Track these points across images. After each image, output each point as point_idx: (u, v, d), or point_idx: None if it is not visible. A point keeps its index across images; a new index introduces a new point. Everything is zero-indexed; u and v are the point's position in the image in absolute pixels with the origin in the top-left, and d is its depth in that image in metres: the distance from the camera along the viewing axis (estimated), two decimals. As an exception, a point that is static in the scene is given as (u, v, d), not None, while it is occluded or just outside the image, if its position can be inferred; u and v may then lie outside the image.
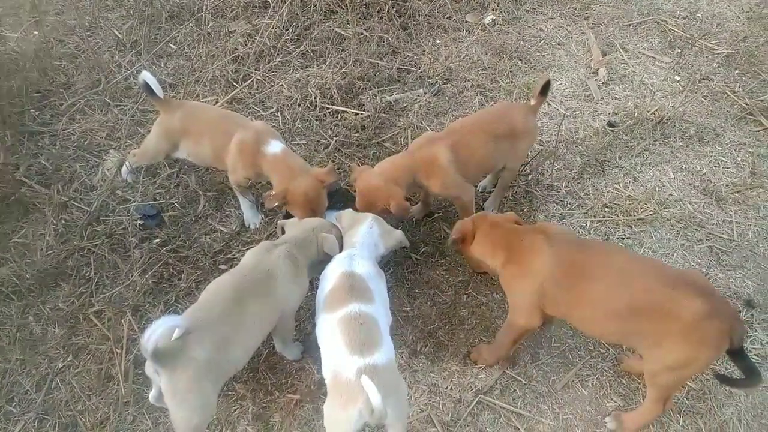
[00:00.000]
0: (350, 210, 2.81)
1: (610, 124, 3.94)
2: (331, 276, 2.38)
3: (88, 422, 2.55)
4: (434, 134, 3.04)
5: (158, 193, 3.35)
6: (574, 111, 4.06)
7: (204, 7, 4.44)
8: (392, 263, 3.15)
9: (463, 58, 4.40)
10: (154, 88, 3.04)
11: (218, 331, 2.14)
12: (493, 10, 4.82)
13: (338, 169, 3.59)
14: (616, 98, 4.17)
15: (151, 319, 2.82)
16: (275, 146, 2.97)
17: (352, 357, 2.00)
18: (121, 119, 3.73)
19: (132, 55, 4.17)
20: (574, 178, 3.61)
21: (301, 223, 2.67)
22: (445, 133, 3.00)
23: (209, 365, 2.09)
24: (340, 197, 3.23)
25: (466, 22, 4.74)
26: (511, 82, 4.23)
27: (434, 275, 3.14)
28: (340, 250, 2.60)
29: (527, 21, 4.79)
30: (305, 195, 2.82)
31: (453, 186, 2.97)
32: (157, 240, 3.14)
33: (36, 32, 4.26)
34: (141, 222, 3.18)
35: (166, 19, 4.50)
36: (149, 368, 2.11)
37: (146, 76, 3.02)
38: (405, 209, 2.86)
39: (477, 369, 2.77)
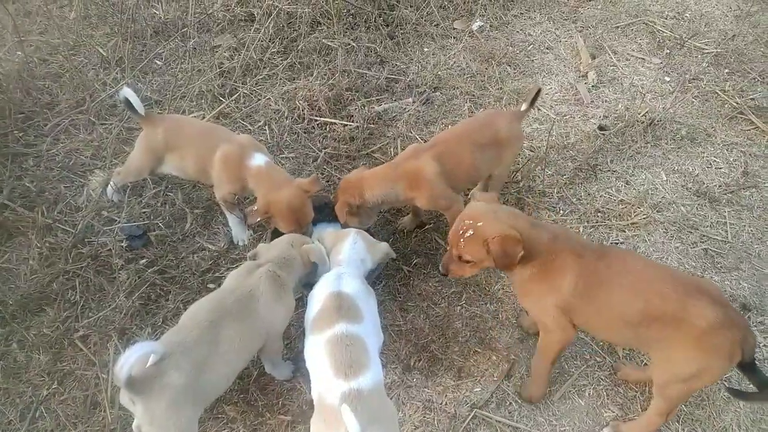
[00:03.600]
0: (330, 229, 2.77)
1: (601, 128, 3.90)
2: (318, 297, 2.33)
3: (74, 451, 2.49)
4: (420, 146, 3.01)
5: (144, 212, 3.30)
6: (565, 115, 4.03)
7: (189, 22, 4.41)
8: (384, 277, 3.10)
9: (452, 65, 4.37)
10: (135, 105, 2.99)
11: (196, 354, 2.08)
12: (480, 16, 4.80)
13: (327, 181, 3.55)
14: (606, 101, 4.13)
15: (137, 341, 2.75)
16: (259, 159, 2.92)
17: (336, 381, 1.96)
18: (107, 138, 3.68)
19: (117, 73, 4.12)
20: (566, 183, 3.57)
21: (275, 243, 2.61)
22: (430, 144, 2.96)
23: (187, 390, 2.02)
24: (329, 212, 3.18)
25: (454, 29, 4.71)
26: (501, 88, 4.19)
27: (427, 287, 3.09)
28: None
29: (515, 26, 4.77)
30: (289, 205, 2.77)
31: (441, 197, 2.93)
32: (144, 260, 3.08)
33: (19, 53, 4.21)
34: (127, 243, 3.13)
35: (151, 35, 4.46)
36: (124, 397, 2.04)
37: (127, 92, 2.98)
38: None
39: (472, 382, 2.71)
